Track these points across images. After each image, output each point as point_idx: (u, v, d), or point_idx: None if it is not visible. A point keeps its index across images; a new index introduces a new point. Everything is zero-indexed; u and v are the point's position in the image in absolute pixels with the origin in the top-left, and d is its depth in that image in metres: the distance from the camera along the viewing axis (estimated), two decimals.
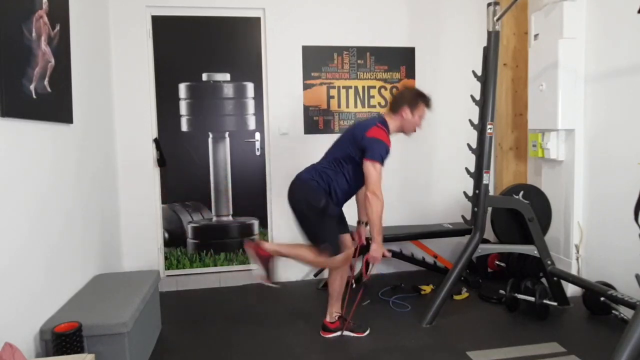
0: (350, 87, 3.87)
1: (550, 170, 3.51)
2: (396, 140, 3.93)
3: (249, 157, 3.78)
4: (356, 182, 2.57)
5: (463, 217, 3.15)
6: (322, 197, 2.50)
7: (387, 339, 2.68)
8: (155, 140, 3.62)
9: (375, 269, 3.93)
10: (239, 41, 3.71)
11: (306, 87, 3.79)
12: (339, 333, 2.71)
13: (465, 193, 3.15)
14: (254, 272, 2.70)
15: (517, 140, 3.93)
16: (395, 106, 2.63)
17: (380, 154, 2.43)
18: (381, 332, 2.75)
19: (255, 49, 3.73)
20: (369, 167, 2.43)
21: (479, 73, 3.08)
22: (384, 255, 2.53)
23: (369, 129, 2.49)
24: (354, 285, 2.71)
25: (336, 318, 2.72)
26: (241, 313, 3.14)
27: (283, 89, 3.75)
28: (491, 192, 3.15)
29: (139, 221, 3.59)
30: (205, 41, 3.65)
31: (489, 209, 3.17)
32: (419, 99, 2.61)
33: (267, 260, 2.66)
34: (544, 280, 3.18)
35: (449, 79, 4.01)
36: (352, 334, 2.72)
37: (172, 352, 2.59)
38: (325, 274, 3.76)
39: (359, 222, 2.81)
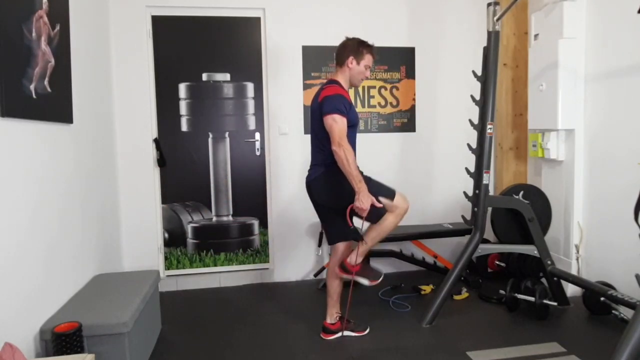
0: (350, 87, 3.86)
1: (550, 170, 3.51)
2: (396, 140, 3.96)
3: (249, 157, 3.78)
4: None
5: (463, 217, 3.15)
6: (343, 184, 2.43)
7: (387, 339, 2.68)
8: (155, 140, 3.62)
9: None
10: (239, 41, 3.71)
11: (306, 87, 3.79)
12: (339, 334, 2.70)
13: (465, 193, 3.15)
14: (371, 284, 2.60)
15: (517, 140, 3.93)
16: (340, 58, 2.59)
17: (334, 106, 2.38)
18: (381, 332, 2.75)
19: (255, 49, 3.73)
20: (327, 121, 2.38)
21: (479, 73, 3.08)
22: (373, 205, 2.35)
23: (320, 95, 2.49)
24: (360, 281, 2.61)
25: (337, 319, 2.71)
26: (241, 313, 3.14)
27: (283, 89, 3.75)
28: (491, 192, 3.15)
29: (139, 221, 3.59)
30: (205, 41, 3.65)
31: (489, 209, 3.17)
32: (362, 47, 2.56)
33: (364, 270, 2.61)
34: (544, 280, 3.18)
35: (449, 79, 4.01)
36: (352, 334, 2.72)
37: (172, 352, 2.59)
38: (326, 274, 3.77)
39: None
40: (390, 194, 2.50)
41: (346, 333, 2.71)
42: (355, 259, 2.55)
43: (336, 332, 2.70)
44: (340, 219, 2.56)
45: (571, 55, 3.19)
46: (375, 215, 2.46)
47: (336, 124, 2.36)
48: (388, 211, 2.50)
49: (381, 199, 2.44)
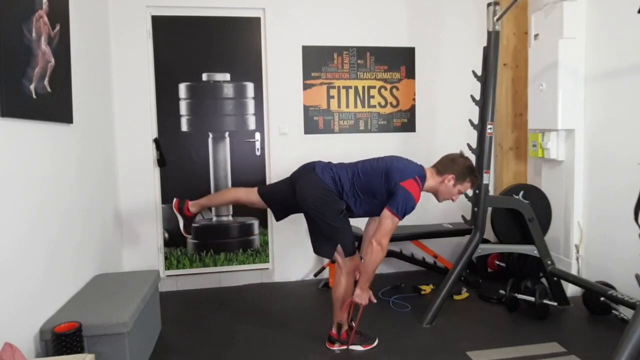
0: (350, 87, 3.87)
1: (550, 170, 3.51)
2: (396, 140, 3.96)
3: (249, 157, 3.78)
4: (363, 211, 2.49)
5: (463, 217, 3.15)
6: (341, 202, 2.43)
7: (387, 339, 2.68)
8: (155, 140, 3.62)
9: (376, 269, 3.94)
10: (239, 41, 3.71)
11: (306, 87, 3.79)
12: (345, 347, 2.57)
13: (465, 193, 3.15)
14: (181, 226, 2.81)
15: (517, 140, 3.93)
16: (442, 168, 2.47)
17: (405, 210, 2.31)
18: (381, 332, 2.75)
19: (255, 49, 3.73)
20: (387, 217, 2.30)
21: (479, 73, 3.08)
22: (370, 300, 2.44)
23: (406, 180, 2.34)
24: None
25: (342, 331, 2.59)
26: (241, 313, 3.14)
27: (283, 89, 3.75)
28: (491, 192, 3.15)
29: (139, 221, 3.59)
30: (205, 41, 3.65)
31: (489, 209, 3.17)
32: (469, 175, 2.47)
33: (192, 219, 2.80)
34: (544, 280, 3.18)
35: (449, 79, 4.01)
36: (361, 348, 2.57)
37: (172, 352, 2.59)
38: (326, 273, 3.77)
39: (362, 258, 2.56)
40: (352, 247, 2.47)
41: (352, 347, 2.57)
42: (339, 330, 2.59)
43: (342, 343, 2.58)
44: (319, 230, 2.46)
45: (571, 55, 3.19)
46: (324, 246, 2.48)
47: (392, 224, 2.31)
48: (337, 265, 2.50)
49: (337, 251, 2.46)
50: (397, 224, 2.35)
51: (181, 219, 2.78)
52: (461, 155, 2.53)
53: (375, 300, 2.47)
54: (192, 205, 2.78)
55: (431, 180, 2.47)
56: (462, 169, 2.46)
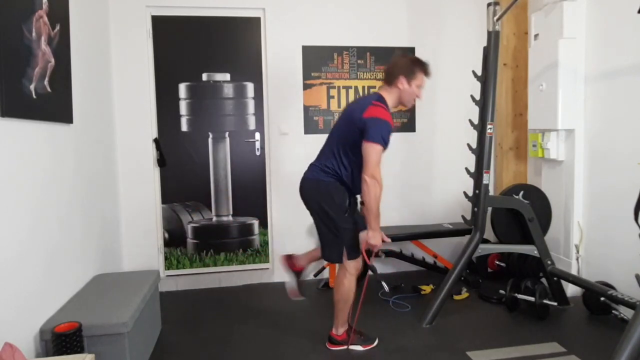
0: (350, 87, 3.87)
1: (550, 170, 3.51)
2: (396, 140, 3.95)
3: (249, 157, 3.78)
4: (359, 170, 2.42)
5: (463, 217, 3.15)
6: (343, 195, 2.41)
7: (387, 339, 2.68)
8: (155, 140, 3.62)
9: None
10: (239, 41, 3.71)
11: (306, 87, 3.79)
12: (345, 347, 2.57)
13: (465, 193, 3.15)
14: (287, 285, 2.73)
15: (517, 140, 3.93)
16: (389, 78, 2.43)
17: (381, 135, 2.26)
18: (381, 332, 2.75)
19: (255, 49, 3.73)
20: (368, 148, 2.26)
21: (479, 73, 3.08)
22: (383, 241, 2.41)
23: (365, 109, 2.32)
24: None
25: (342, 332, 2.59)
26: (241, 313, 3.15)
27: (283, 89, 3.75)
28: (491, 192, 3.15)
29: (139, 221, 3.59)
30: (205, 41, 3.65)
31: (489, 209, 3.17)
32: (415, 67, 2.41)
33: (299, 273, 2.69)
34: (544, 280, 3.18)
35: (449, 79, 4.01)
36: (361, 348, 2.56)
37: (172, 352, 2.59)
38: (326, 273, 3.77)
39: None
40: (354, 251, 2.44)
41: (352, 347, 2.57)
42: (339, 329, 2.58)
43: (342, 344, 2.57)
44: (329, 235, 2.44)
45: (571, 55, 3.19)
46: (334, 250, 2.45)
47: (375, 153, 2.27)
48: (341, 266, 2.48)
49: (344, 254, 2.43)
50: (381, 153, 2.29)
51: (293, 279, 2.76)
52: (401, 55, 2.50)
53: (389, 240, 2.45)
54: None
55: (388, 95, 2.44)
56: (407, 66, 2.41)
